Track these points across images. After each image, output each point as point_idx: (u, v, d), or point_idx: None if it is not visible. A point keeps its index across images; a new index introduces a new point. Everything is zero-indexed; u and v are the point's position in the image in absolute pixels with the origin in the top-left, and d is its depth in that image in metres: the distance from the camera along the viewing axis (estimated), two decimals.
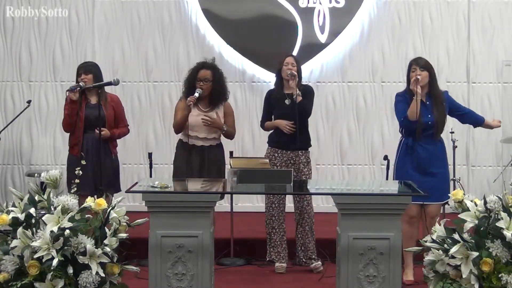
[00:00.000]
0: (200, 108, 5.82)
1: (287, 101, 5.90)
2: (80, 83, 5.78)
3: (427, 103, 5.51)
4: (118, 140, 6.09)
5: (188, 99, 5.70)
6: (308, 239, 5.97)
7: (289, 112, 5.85)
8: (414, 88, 5.39)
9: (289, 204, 6.21)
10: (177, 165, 5.85)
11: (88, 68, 5.92)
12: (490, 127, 5.90)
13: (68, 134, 5.97)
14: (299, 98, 5.83)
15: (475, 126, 6.00)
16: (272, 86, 6.20)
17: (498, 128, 7.62)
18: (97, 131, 5.58)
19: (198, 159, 5.76)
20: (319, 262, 5.92)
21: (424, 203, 5.42)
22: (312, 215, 6.00)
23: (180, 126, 5.79)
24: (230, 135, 5.95)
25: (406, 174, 5.39)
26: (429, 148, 5.48)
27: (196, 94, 5.71)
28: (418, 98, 5.37)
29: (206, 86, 5.77)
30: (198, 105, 5.81)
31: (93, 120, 5.73)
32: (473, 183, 7.85)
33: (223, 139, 5.95)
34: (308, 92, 6.01)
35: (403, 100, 5.52)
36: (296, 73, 5.87)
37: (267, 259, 6.01)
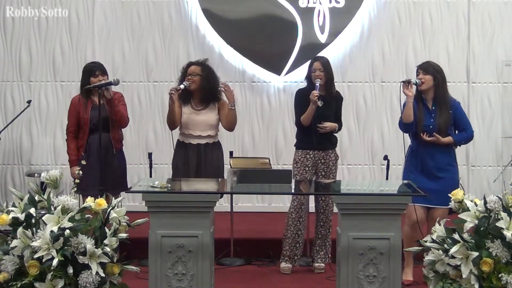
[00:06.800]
0: (193, 106, 5.83)
1: (319, 103, 5.74)
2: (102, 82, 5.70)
3: (433, 107, 5.51)
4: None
5: (170, 88, 5.71)
6: (328, 239, 5.88)
7: (320, 114, 5.77)
8: (404, 91, 5.43)
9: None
10: (174, 164, 5.86)
11: (104, 69, 5.90)
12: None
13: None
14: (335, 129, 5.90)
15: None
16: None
17: (497, 128, 7.72)
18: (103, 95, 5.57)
19: (195, 158, 5.76)
20: (323, 264, 5.88)
21: (430, 206, 5.40)
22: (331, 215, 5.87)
23: (170, 119, 5.80)
24: (233, 120, 5.83)
25: (412, 177, 5.35)
26: (434, 152, 5.46)
27: (182, 86, 5.72)
28: (410, 100, 5.41)
29: (195, 80, 5.76)
30: (192, 103, 5.82)
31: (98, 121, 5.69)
32: (473, 183, 7.85)
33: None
34: (338, 102, 5.99)
35: None
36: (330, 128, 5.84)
37: (281, 261, 5.87)
